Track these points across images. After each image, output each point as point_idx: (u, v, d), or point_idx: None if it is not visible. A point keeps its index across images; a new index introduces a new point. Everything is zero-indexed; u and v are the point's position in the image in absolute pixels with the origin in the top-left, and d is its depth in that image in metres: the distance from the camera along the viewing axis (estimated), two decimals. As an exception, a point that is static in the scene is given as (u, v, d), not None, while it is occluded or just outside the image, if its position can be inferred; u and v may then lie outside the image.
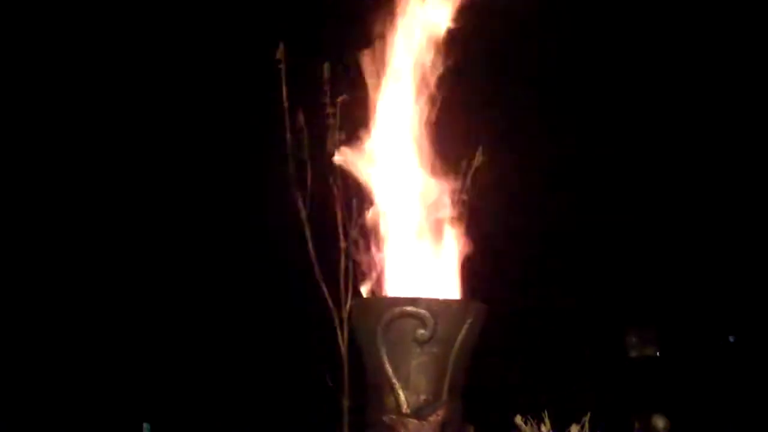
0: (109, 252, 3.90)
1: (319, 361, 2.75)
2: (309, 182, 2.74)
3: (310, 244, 2.70)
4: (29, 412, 3.62)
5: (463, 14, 2.63)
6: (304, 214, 2.73)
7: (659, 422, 2.84)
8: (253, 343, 3.62)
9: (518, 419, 2.59)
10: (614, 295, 5.17)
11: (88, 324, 3.77)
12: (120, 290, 3.84)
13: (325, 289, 2.68)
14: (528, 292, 4.43)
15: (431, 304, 2.23)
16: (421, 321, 2.21)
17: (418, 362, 2.20)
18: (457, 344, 2.23)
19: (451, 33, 2.56)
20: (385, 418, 2.17)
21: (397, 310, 2.23)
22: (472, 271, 2.41)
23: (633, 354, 5.67)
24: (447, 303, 2.29)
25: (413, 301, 2.23)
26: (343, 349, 2.63)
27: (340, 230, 2.66)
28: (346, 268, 2.63)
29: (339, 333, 2.66)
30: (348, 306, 2.56)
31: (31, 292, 3.77)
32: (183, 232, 3.64)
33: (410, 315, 2.21)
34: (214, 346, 3.69)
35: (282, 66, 2.76)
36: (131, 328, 3.78)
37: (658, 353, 5.71)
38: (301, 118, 2.77)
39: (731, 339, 5.81)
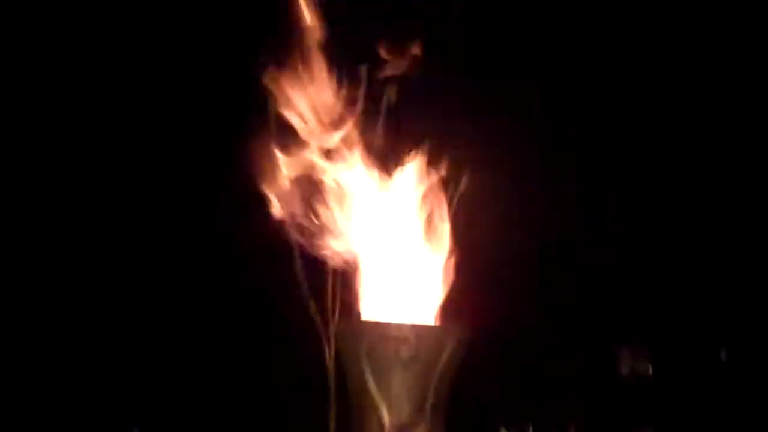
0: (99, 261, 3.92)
1: (306, 379, 2.78)
2: (297, 201, 2.77)
3: (297, 263, 2.72)
4: (11, 415, 3.65)
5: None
6: (292, 233, 2.76)
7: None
8: (242, 357, 3.66)
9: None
10: (606, 311, 5.19)
11: (76, 323, 3.80)
12: (111, 293, 3.87)
13: (312, 308, 2.70)
14: (517, 307, 4.45)
15: (415, 328, 2.27)
16: (405, 344, 2.25)
17: (401, 383, 2.24)
18: (440, 366, 2.26)
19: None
20: (368, 434, 2.20)
21: (380, 333, 2.26)
22: (458, 286, 2.43)
23: (624, 372, 5.69)
24: (430, 327, 2.33)
25: (397, 325, 2.27)
26: (330, 369, 2.66)
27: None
28: (334, 287, 2.65)
29: (327, 353, 2.68)
30: (334, 327, 2.59)
31: (14, 288, 3.80)
32: (172, 251, 3.68)
33: (394, 338, 2.25)
34: (203, 356, 3.73)
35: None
36: (122, 332, 3.81)
37: (650, 371, 5.72)
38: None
39: (723, 356, 5.84)
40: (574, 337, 4.96)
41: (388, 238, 2.36)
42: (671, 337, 5.56)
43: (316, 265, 2.65)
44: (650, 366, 5.77)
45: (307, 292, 2.68)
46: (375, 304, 2.38)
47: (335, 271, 2.57)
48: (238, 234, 3.50)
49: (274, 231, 2.62)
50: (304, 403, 2.84)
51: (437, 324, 2.36)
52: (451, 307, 2.38)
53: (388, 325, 2.28)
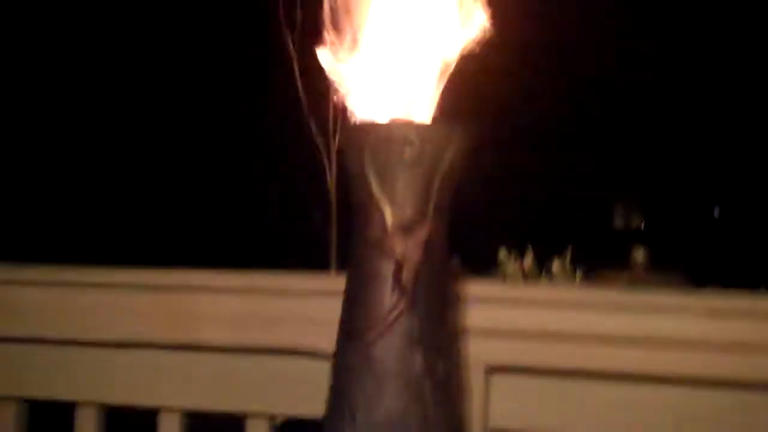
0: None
1: (307, 194, 2.77)
2: (298, 19, 2.73)
3: (297, 77, 2.69)
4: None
5: None
6: (292, 49, 2.72)
7: (638, 254, 2.88)
8: (242, 178, 3.64)
9: (502, 252, 2.63)
10: (604, 166, 5.19)
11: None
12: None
13: (312, 124, 2.68)
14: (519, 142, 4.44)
15: (419, 127, 2.24)
16: (409, 143, 2.22)
17: (405, 181, 2.22)
18: (443, 166, 2.24)
19: None
20: (371, 235, 2.19)
21: (384, 134, 2.23)
22: (461, 98, 2.40)
23: (618, 225, 5.74)
24: (434, 126, 2.30)
25: (401, 125, 2.24)
26: (331, 182, 2.65)
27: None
28: (335, 100, 2.62)
29: (327, 166, 2.67)
30: (336, 137, 2.57)
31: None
32: (177, 69, 3.63)
33: (397, 139, 2.22)
34: (204, 182, 3.72)
35: None
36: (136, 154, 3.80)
37: (643, 225, 5.77)
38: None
39: (716, 213, 5.87)
40: (573, 187, 4.97)
41: (392, 33, 2.31)
42: (666, 192, 5.58)
43: (316, 79, 2.61)
44: (643, 220, 5.82)
45: (306, 106, 2.66)
46: (376, 106, 2.34)
47: (335, 87, 2.52)
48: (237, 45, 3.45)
49: (275, 44, 2.58)
50: (306, 213, 2.82)
51: (442, 123, 2.33)
52: (456, 110, 2.35)
53: (391, 125, 2.25)
